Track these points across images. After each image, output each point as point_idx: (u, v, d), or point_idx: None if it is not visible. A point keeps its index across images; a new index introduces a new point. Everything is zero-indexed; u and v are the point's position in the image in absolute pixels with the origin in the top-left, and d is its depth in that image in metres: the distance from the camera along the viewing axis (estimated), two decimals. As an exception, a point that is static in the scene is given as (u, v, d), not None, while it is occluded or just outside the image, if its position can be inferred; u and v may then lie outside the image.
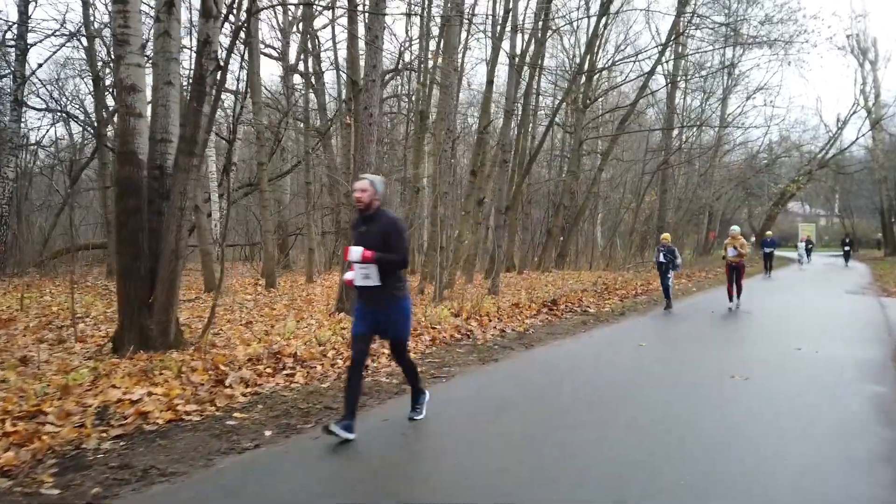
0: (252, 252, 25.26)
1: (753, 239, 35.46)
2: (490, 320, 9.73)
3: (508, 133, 14.32)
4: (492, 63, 15.65)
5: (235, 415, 4.77)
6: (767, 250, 23.24)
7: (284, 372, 6.04)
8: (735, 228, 12.97)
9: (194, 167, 7.03)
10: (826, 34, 51.63)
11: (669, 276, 12.17)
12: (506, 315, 10.30)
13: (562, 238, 23.23)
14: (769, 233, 25.95)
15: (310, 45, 20.83)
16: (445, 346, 7.91)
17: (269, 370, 6.01)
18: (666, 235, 13.22)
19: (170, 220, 6.99)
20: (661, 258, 12.22)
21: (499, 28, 15.46)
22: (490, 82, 15.69)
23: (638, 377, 6.41)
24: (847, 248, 31.97)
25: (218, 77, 7.04)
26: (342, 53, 18.94)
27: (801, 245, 30.94)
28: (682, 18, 20.12)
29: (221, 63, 7.03)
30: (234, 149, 24.42)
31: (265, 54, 22.10)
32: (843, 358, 7.44)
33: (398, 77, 21.45)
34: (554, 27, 18.20)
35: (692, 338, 9.14)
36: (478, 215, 15.66)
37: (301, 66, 21.29)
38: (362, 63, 11.03)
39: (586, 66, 20.49)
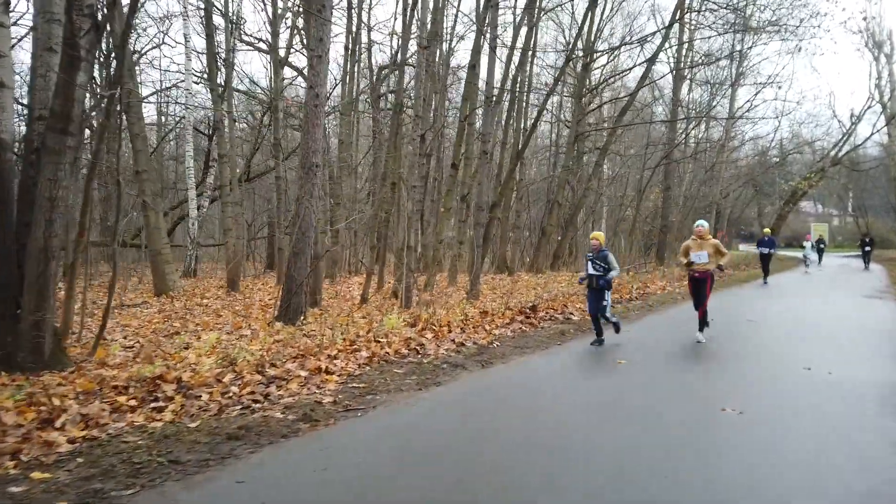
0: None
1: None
2: (450, 331, 8.45)
3: (489, 122, 13.02)
4: (475, 45, 14.34)
5: (34, 474, 3.52)
6: (765, 251, 20.14)
7: (153, 404, 4.80)
8: (702, 223, 8.97)
9: (69, 149, 5.81)
10: (840, 17, 49.56)
11: (606, 298, 8.14)
12: (472, 325, 9.01)
13: (559, 237, 21.89)
14: (766, 230, 23.34)
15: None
16: (383, 365, 6.64)
17: (132, 402, 4.76)
18: (596, 235, 8.54)
19: (38, 213, 5.77)
20: (591, 269, 8.06)
21: (481, 4, 14.15)
22: (472, 66, 14.40)
23: (606, 413, 5.11)
24: (868, 249, 28.19)
25: (94, 39, 5.80)
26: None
27: (808, 245, 26.18)
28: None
29: (99, 21, 5.80)
30: (212, 145, 23.39)
31: (254, 46, 21.04)
32: (863, 382, 6.11)
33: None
34: (542, 5, 16.83)
35: (680, 354, 7.81)
36: (462, 212, 14.37)
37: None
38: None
39: (580, 51, 19.10)
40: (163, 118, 27.38)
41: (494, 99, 12.80)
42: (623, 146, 26.82)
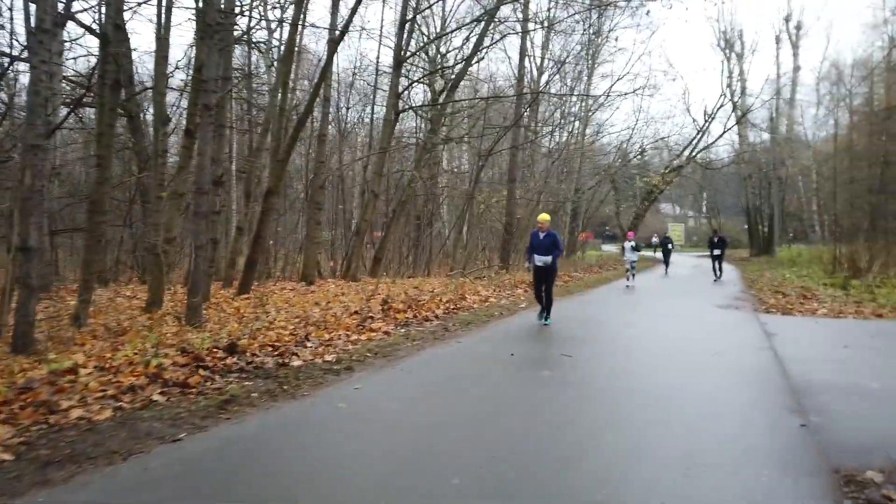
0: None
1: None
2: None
3: (212, 67, 8.70)
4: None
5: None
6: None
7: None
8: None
9: None
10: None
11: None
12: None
13: (383, 235, 17.99)
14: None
15: None
16: None
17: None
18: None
19: None
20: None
21: None
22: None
23: None
24: (718, 252, 20.67)
25: None
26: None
27: (629, 245, 18.38)
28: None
29: None
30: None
31: None
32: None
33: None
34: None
35: (407, 444, 4.01)
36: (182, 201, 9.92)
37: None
38: None
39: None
40: None
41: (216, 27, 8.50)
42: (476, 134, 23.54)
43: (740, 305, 12.91)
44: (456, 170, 27.59)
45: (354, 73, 23.91)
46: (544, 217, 9.74)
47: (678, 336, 8.67)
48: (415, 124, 25.33)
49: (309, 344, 7.21)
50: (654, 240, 25.88)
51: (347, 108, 25.70)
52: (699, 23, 75.65)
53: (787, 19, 39.96)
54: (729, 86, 37.95)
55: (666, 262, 24.28)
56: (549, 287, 9.63)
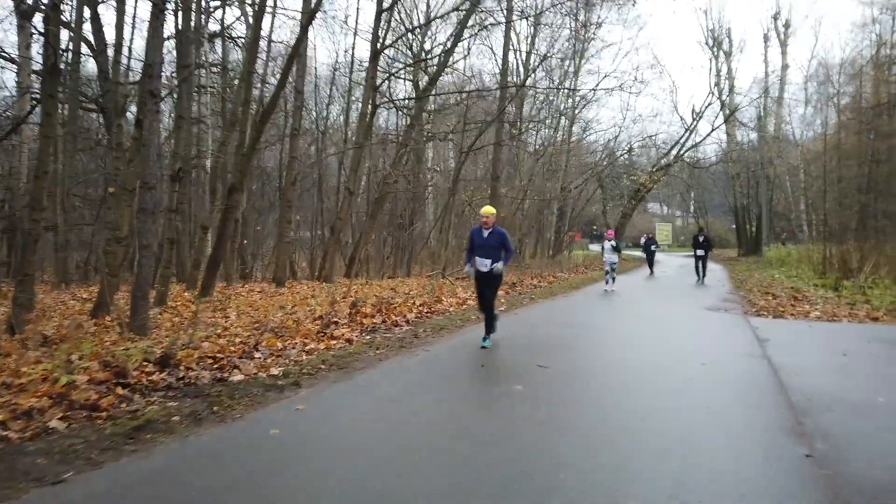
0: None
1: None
2: None
3: (156, 50, 7.96)
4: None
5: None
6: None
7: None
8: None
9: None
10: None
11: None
12: None
13: (359, 235, 17.27)
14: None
15: None
16: None
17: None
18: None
19: None
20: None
21: None
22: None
23: None
24: (702, 252, 18.80)
25: None
26: None
27: (608, 245, 15.82)
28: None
29: None
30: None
31: None
32: None
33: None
34: None
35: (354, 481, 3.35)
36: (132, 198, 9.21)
37: None
38: None
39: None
40: None
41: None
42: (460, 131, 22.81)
43: (729, 308, 12.34)
44: (438, 168, 26.93)
45: (335, 69, 23.19)
46: (488, 210, 7.47)
47: (664, 343, 8.06)
48: (397, 121, 24.64)
49: (257, 354, 6.51)
50: (644, 240, 25.38)
51: (328, 105, 25.04)
52: (688, 20, 75.58)
53: (775, 17, 39.66)
54: (717, 84, 37.56)
55: (650, 262, 23.81)
56: (490, 298, 7.60)
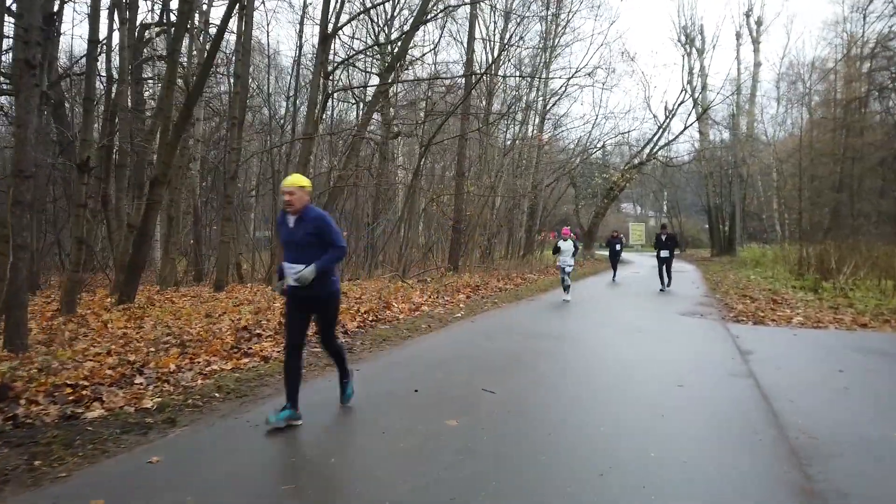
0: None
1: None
2: None
3: (33, 12, 6.71)
4: None
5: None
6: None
7: None
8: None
9: None
10: None
11: None
12: None
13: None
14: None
15: None
16: None
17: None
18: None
19: None
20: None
21: None
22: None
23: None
24: (665, 254, 15.75)
25: None
26: None
27: (566, 244, 13.34)
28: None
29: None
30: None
31: None
32: None
33: None
34: None
35: None
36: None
37: None
38: None
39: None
40: None
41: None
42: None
43: (705, 312, 11.39)
44: (407, 167, 25.72)
45: (297, 62, 21.81)
46: (292, 181, 4.30)
47: (633, 358, 6.98)
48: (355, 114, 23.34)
49: (139, 379, 5.29)
50: (608, 239, 21.83)
51: (296, 100, 23.60)
52: (660, 17, 75.46)
53: (747, 14, 39.15)
54: (689, 82, 36.98)
55: (614, 266, 20.15)
56: (326, 333, 4.65)
